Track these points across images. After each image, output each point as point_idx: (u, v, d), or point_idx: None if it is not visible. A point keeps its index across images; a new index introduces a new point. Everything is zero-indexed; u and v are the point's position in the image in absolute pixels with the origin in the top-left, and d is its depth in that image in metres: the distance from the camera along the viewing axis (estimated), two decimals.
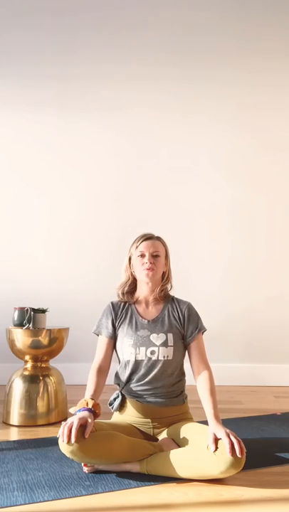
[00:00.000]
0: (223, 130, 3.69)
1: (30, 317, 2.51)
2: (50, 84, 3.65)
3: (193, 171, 3.66)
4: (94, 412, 1.68)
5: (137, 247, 1.96)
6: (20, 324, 2.55)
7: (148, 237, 1.98)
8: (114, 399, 1.96)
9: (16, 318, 2.58)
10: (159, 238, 2.01)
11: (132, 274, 2.00)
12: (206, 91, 3.70)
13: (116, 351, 1.98)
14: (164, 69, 3.69)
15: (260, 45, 3.71)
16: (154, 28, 3.71)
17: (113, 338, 1.96)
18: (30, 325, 2.51)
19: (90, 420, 1.62)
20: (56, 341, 2.52)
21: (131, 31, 3.70)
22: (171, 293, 2.05)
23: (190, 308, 1.99)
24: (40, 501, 1.51)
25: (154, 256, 1.94)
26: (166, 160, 3.67)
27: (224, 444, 1.57)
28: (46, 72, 3.65)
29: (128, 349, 1.90)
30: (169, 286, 2.03)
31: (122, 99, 3.67)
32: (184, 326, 1.94)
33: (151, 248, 1.94)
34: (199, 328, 1.95)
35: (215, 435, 1.62)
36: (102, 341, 1.96)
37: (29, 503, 1.49)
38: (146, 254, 1.93)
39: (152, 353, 1.88)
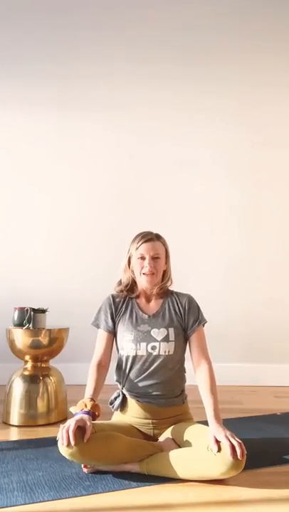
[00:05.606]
0: (223, 128, 3.68)
1: (30, 317, 2.52)
2: (50, 82, 3.64)
3: (194, 169, 3.65)
4: (93, 413, 1.68)
5: (136, 249, 1.92)
6: (20, 324, 2.55)
7: (148, 239, 1.92)
8: (115, 398, 1.95)
9: (15, 318, 2.58)
10: (158, 237, 1.97)
11: (131, 274, 1.97)
12: (206, 89, 3.69)
13: (116, 345, 1.97)
14: (165, 67, 3.68)
15: (261, 43, 3.71)
16: (154, 26, 3.70)
17: (112, 332, 1.94)
18: (30, 325, 2.51)
19: (88, 423, 1.62)
20: (56, 341, 2.52)
21: (131, 29, 3.70)
22: (171, 288, 2.02)
23: (190, 300, 1.96)
24: (40, 501, 1.51)
25: (154, 258, 1.91)
26: (167, 158, 3.66)
27: (225, 446, 1.57)
28: (46, 71, 3.65)
29: (128, 344, 1.88)
30: (169, 283, 2.00)
31: (123, 97, 3.66)
32: (184, 319, 1.92)
33: (151, 251, 1.90)
34: (200, 320, 1.92)
35: (215, 438, 1.61)
36: (102, 335, 1.94)
37: (29, 503, 1.49)
38: (147, 257, 1.90)
39: (153, 348, 1.87)
